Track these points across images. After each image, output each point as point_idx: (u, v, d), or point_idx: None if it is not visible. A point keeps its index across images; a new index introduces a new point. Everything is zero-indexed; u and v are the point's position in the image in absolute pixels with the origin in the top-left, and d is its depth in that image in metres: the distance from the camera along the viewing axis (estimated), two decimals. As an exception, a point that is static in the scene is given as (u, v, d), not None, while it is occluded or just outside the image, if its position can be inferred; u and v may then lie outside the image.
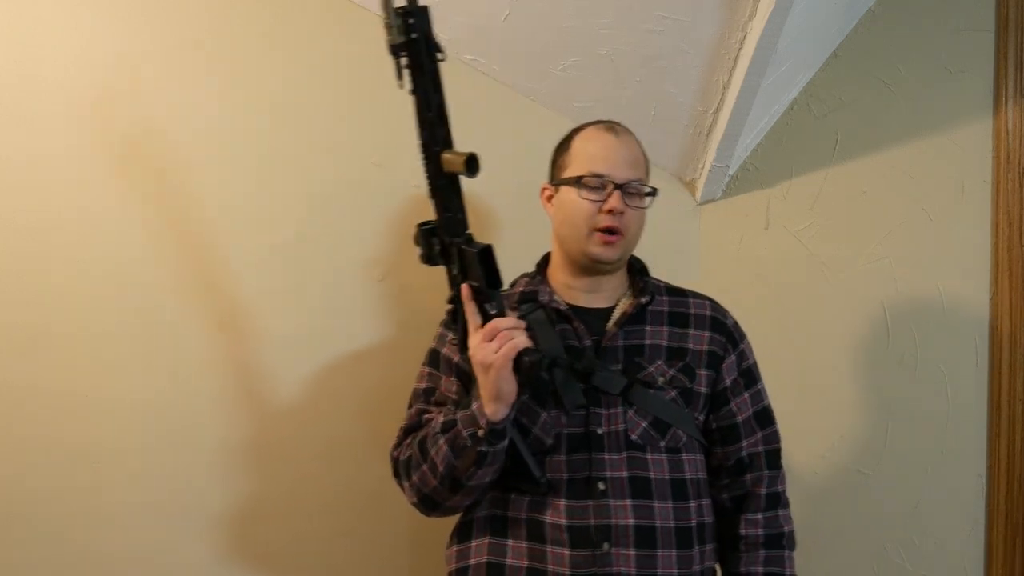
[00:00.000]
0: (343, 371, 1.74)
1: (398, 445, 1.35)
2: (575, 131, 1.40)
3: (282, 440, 1.72)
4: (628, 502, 1.26)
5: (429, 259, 1.24)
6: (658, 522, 1.27)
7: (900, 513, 1.79)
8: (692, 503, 1.31)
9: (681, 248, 1.91)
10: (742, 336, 1.43)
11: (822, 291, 1.83)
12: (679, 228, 1.90)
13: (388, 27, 1.11)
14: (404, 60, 1.12)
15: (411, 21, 1.11)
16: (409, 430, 1.35)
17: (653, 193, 1.37)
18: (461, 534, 1.34)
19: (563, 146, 1.40)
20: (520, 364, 1.15)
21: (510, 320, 1.18)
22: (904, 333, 1.79)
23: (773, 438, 1.41)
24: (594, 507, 1.25)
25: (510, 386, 1.17)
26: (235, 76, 1.71)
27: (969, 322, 1.75)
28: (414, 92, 1.14)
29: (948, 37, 1.75)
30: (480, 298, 1.19)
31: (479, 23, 1.71)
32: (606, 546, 1.24)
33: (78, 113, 1.65)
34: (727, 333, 1.40)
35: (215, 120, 1.70)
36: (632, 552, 1.24)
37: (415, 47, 1.12)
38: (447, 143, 1.15)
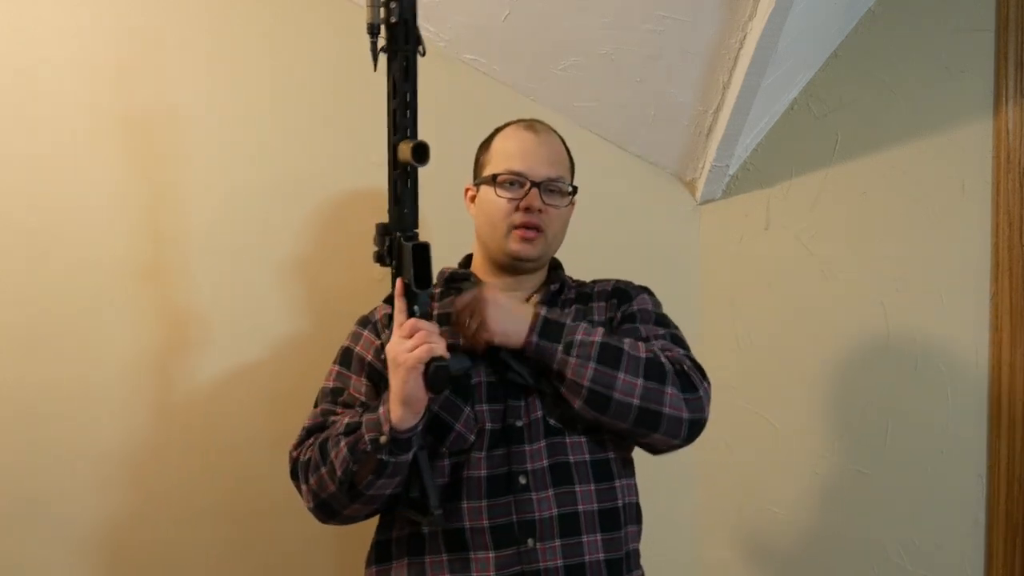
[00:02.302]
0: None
1: (299, 445, 1.29)
2: (497, 130, 1.38)
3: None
4: (550, 492, 1.23)
5: (380, 257, 1.22)
6: (581, 507, 1.24)
7: (900, 513, 1.79)
8: (617, 483, 1.28)
9: (681, 248, 1.91)
10: (640, 292, 1.39)
11: (822, 291, 1.83)
12: (679, 228, 1.91)
13: (371, 6, 1.12)
14: (382, 44, 1.13)
15: (393, 5, 1.11)
16: (312, 430, 1.29)
17: (574, 192, 1.36)
18: (379, 554, 1.30)
19: (484, 145, 1.39)
20: (427, 370, 1.13)
21: (432, 325, 1.16)
22: (904, 333, 1.79)
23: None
24: (515, 502, 1.22)
25: (418, 392, 1.13)
26: (231, 74, 1.71)
27: (969, 323, 1.75)
28: (387, 78, 1.14)
29: (948, 37, 1.75)
30: (410, 296, 1.17)
31: (479, 23, 1.71)
32: (531, 542, 1.21)
33: (75, 113, 1.65)
34: (623, 294, 1.38)
35: (210, 118, 1.70)
36: (558, 543, 1.21)
37: (393, 32, 1.12)
38: (409, 135, 1.14)
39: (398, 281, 1.18)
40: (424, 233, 1.63)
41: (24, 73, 1.63)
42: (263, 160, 1.72)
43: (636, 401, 1.21)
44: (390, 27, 1.12)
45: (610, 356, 1.22)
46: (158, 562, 1.70)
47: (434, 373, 1.12)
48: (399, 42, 1.12)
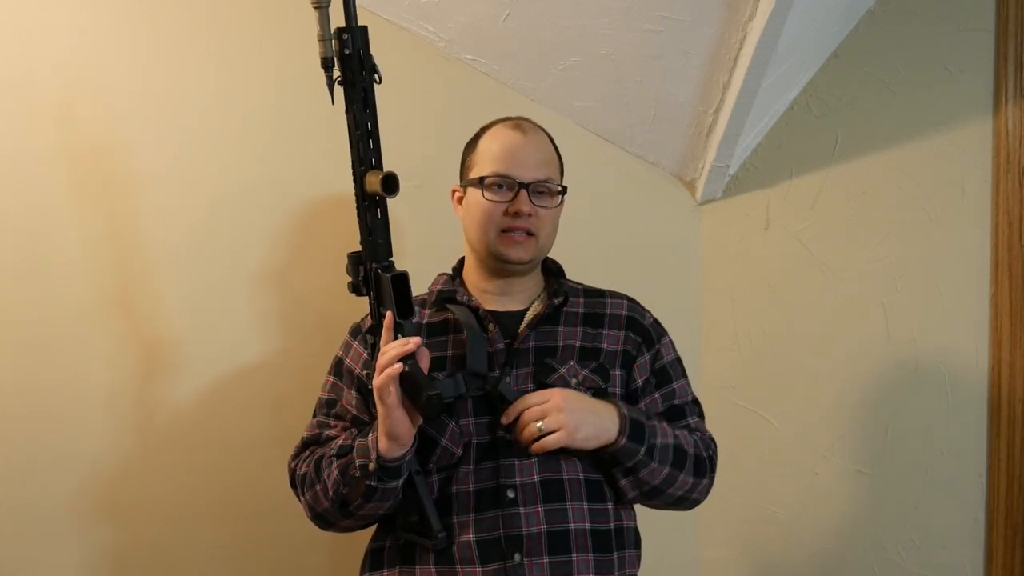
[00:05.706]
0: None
1: (296, 456, 1.32)
2: (483, 129, 1.36)
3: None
4: (539, 508, 1.22)
5: (355, 288, 1.22)
6: (572, 525, 1.23)
7: (900, 513, 1.79)
8: (611, 505, 1.28)
9: (681, 248, 1.91)
10: (660, 335, 1.39)
11: (822, 291, 1.83)
12: (679, 228, 1.91)
13: (321, 40, 1.13)
14: (337, 76, 1.14)
15: (345, 37, 1.12)
16: (309, 442, 1.32)
17: (564, 192, 1.34)
18: (373, 562, 1.30)
19: (471, 145, 1.36)
20: (420, 400, 1.12)
21: (392, 345, 1.15)
22: (904, 333, 1.78)
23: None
24: (503, 517, 1.21)
25: (401, 427, 1.14)
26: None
27: (969, 323, 1.75)
28: (346, 110, 1.15)
29: (948, 37, 1.75)
30: (396, 328, 1.17)
31: (479, 23, 1.71)
32: (518, 557, 1.20)
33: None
34: (643, 332, 1.36)
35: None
36: (545, 560, 1.21)
37: (348, 64, 1.13)
38: (375, 164, 1.15)
39: (388, 315, 1.17)
40: (425, 235, 1.64)
41: (19, 73, 1.62)
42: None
43: (679, 493, 1.30)
44: (344, 59, 1.13)
45: (679, 459, 1.28)
46: (157, 562, 1.70)
47: (426, 403, 1.12)
48: (355, 73, 1.13)
